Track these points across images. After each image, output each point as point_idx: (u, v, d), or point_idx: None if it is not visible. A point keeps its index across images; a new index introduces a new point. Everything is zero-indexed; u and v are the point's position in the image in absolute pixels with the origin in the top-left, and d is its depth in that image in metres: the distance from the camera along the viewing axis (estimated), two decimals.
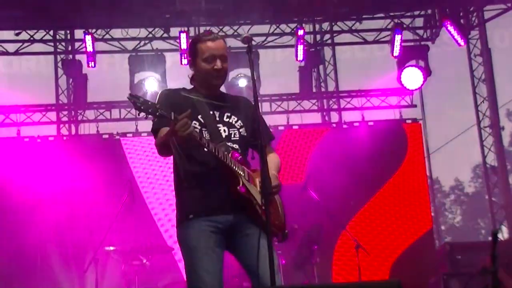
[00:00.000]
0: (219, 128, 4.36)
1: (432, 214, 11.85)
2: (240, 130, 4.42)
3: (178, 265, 9.35)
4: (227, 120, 4.42)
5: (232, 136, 4.38)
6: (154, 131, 4.36)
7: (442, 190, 38.54)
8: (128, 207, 8.06)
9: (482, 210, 29.45)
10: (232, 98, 4.67)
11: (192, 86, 4.53)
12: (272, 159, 4.48)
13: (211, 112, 4.39)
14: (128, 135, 11.01)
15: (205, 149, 4.17)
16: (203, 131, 4.29)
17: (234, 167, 4.23)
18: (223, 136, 4.34)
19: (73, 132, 11.71)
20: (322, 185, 10.11)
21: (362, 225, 10.66)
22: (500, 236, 9.40)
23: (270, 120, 11.24)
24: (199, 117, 4.33)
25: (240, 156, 4.31)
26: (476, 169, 36.71)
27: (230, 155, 4.25)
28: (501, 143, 12.13)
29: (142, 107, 4.04)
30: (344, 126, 11.54)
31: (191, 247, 4.25)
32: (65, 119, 11.77)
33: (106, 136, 11.08)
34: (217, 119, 4.39)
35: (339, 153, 10.92)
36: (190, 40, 4.64)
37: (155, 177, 10.63)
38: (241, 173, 4.25)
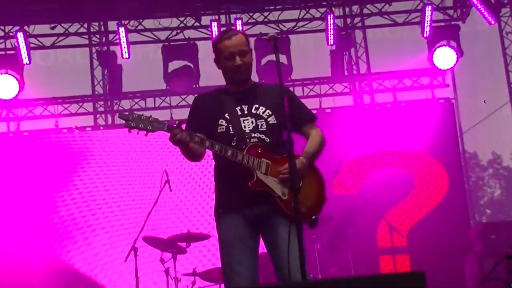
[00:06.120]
0: (244, 123, 4.51)
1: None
2: (269, 120, 4.54)
3: (215, 252, 9.54)
4: (255, 112, 4.56)
5: (260, 127, 4.51)
6: None
7: (480, 165, 38.24)
8: (165, 196, 8.26)
9: None
10: (264, 87, 4.78)
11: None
12: (310, 141, 4.69)
13: (238, 108, 4.55)
14: None
15: (216, 151, 4.36)
16: (230, 127, 4.49)
17: (247, 163, 4.36)
18: (249, 129, 4.49)
19: (110, 122, 11.93)
20: (355, 167, 10.23)
21: (399, 210, 10.67)
22: None
23: None
24: (226, 115, 4.53)
25: (260, 149, 4.43)
26: None
27: (246, 150, 4.39)
28: None
29: (132, 124, 4.29)
30: (377, 108, 11.58)
31: (223, 240, 4.51)
32: (101, 109, 11.98)
33: None
34: (245, 112, 4.55)
35: (372, 135, 10.97)
36: (212, 42, 4.81)
37: (190, 165, 10.76)
38: (256, 167, 4.37)
